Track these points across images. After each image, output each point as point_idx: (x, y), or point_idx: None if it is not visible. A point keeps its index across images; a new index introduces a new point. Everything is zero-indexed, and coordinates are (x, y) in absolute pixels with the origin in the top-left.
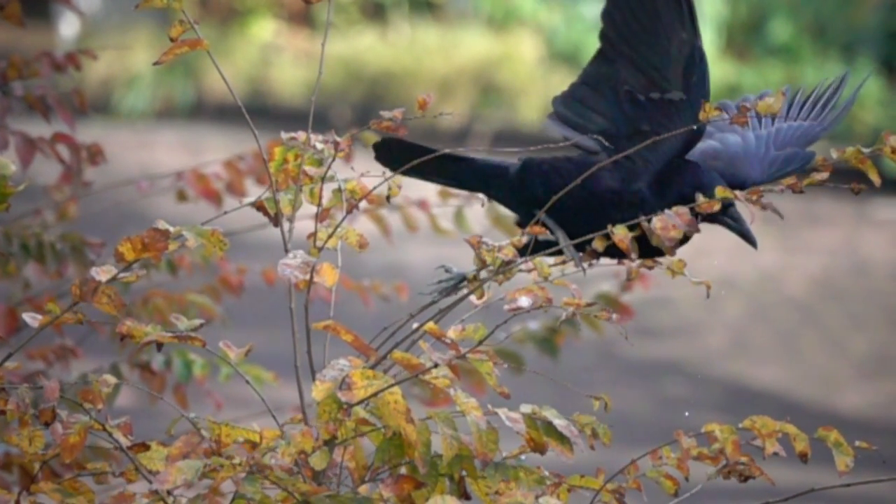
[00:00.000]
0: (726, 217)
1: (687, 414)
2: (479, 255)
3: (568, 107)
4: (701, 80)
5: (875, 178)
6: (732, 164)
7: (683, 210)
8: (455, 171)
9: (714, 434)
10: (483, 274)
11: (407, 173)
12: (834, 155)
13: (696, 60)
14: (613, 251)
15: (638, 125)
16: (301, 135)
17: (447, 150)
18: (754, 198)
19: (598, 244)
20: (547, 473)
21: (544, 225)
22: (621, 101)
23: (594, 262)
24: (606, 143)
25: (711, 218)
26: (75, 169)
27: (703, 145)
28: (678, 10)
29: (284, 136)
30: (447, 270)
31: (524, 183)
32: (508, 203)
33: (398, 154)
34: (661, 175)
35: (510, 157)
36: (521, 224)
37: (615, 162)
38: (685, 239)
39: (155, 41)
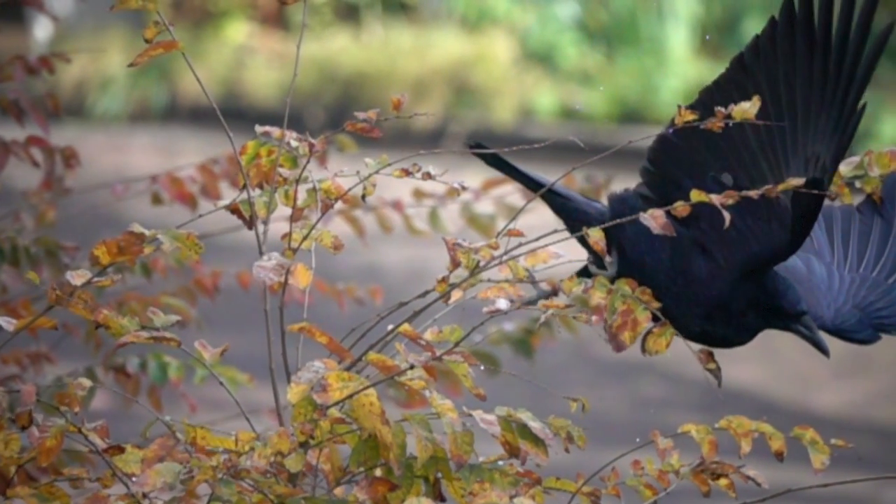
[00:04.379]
0: (800, 325)
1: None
2: (453, 257)
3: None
4: (812, 207)
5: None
6: (811, 293)
7: (658, 213)
8: (550, 202)
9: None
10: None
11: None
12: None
13: (819, 182)
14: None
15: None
16: (275, 130)
17: (547, 183)
18: (729, 201)
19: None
20: (521, 471)
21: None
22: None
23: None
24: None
25: (784, 326)
26: (55, 174)
27: (791, 260)
28: (828, 116)
29: (259, 129)
30: (532, 281)
31: (613, 230)
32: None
33: (499, 168)
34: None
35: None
36: (596, 263)
37: (705, 246)
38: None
39: (129, 44)
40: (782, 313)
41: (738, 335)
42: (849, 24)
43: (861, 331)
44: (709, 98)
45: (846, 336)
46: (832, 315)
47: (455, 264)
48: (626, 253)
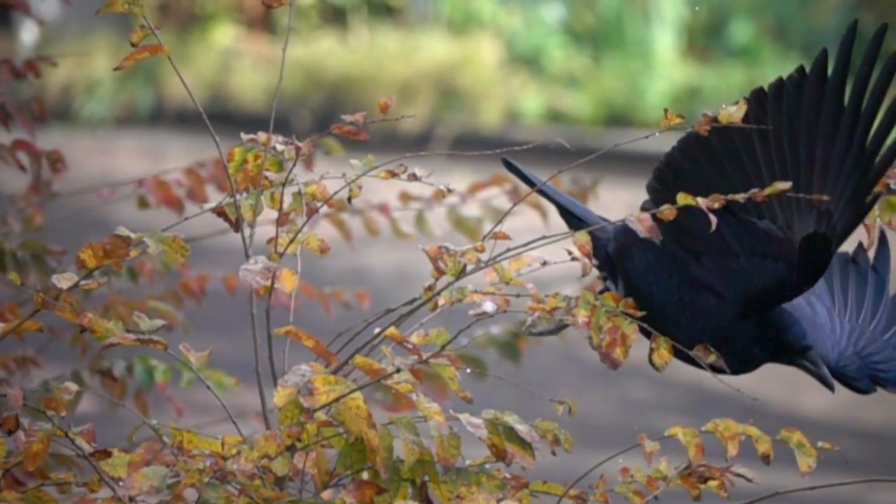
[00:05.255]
0: (805, 360)
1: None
2: (436, 266)
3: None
4: (816, 259)
5: None
6: (815, 331)
7: (645, 216)
8: (566, 218)
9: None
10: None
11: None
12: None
13: (824, 238)
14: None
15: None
16: (261, 135)
17: (563, 203)
18: (715, 204)
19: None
20: (509, 476)
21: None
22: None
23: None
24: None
25: (790, 360)
26: (42, 179)
27: (795, 300)
28: (847, 180)
29: (244, 136)
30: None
31: (619, 266)
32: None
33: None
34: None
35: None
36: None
37: (711, 280)
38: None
39: (115, 47)
40: (788, 348)
41: (742, 367)
42: (880, 101)
43: (860, 378)
44: (697, 140)
45: (846, 380)
46: (835, 356)
47: (440, 273)
48: (633, 283)
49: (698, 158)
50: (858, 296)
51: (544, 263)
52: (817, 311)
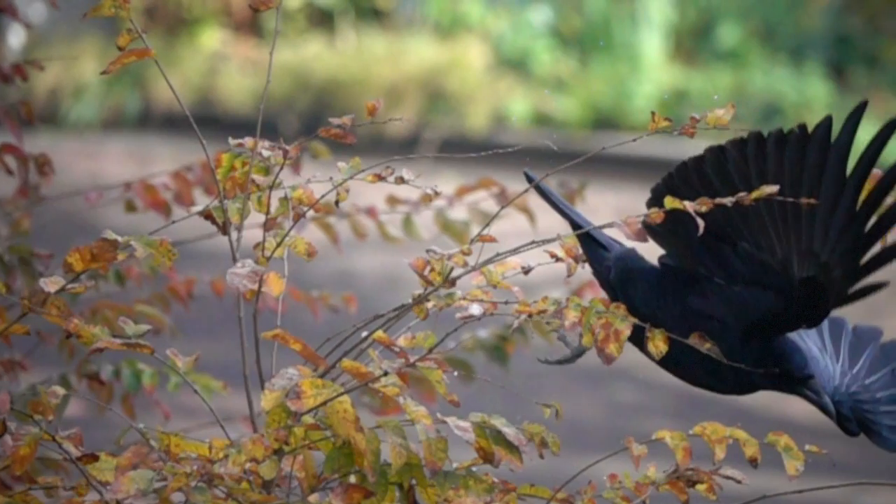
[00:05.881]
0: (807, 389)
1: (627, 417)
2: (423, 278)
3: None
4: (809, 301)
5: None
6: (813, 361)
7: (633, 220)
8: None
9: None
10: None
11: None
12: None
13: (814, 281)
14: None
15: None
16: (248, 141)
17: (577, 220)
18: (703, 208)
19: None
20: (496, 479)
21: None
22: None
23: None
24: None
25: (791, 389)
26: (30, 182)
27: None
28: (839, 233)
29: (232, 141)
30: (562, 340)
31: (621, 288)
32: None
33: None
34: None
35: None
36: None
37: (712, 307)
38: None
39: (102, 51)
40: (789, 376)
41: (741, 391)
42: (870, 165)
43: (851, 419)
44: (695, 167)
45: (838, 418)
46: (831, 390)
47: (427, 283)
48: (638, 310)
49: (692, 184)
50: (852, 356)
51: (526, 272)
52: (811, 346)
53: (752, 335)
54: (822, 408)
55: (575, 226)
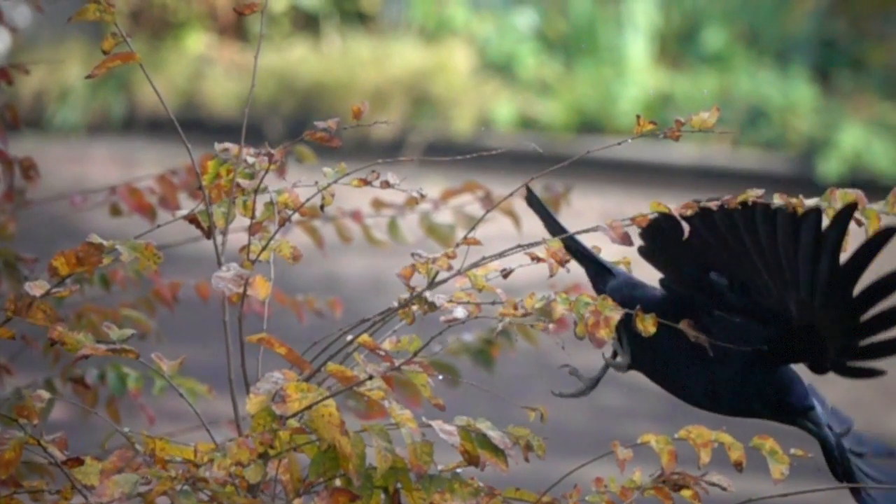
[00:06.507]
0: (807, 421)
1: (612, 421)
2: (409, 287)
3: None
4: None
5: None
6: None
7: (618, 224)
8: (574, 252)
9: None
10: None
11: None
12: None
13: (808, 326)
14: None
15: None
16: (234, 147)
17: (569, 233)
18: (688, 211)
19: None
20: (482, 484)
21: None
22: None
23: None
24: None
25: (790, 419)
26: (15, 186)
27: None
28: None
29: (217, 147)
30: (574, 373)
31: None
32: None
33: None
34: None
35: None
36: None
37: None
38: None
39: (87, 55)
40: (790, 407)
41: (736, 415)
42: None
43: (845, 461)
44: (667, 223)
45: (831, 456)
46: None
47: (413, 290)
48: (641, 338)
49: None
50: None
51: (506, 275)
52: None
53: (755, 363)
54: (823, 439)
55: (577, 251)
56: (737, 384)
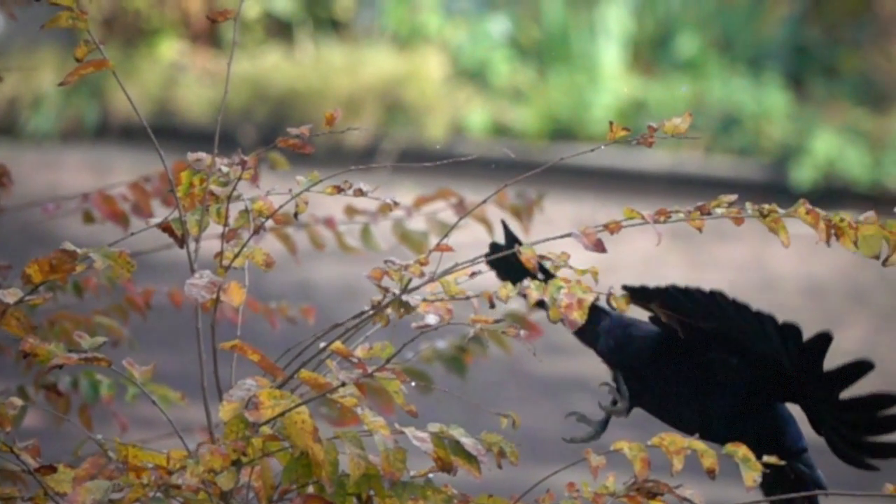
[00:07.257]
0: (800, 464)
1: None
2: (381, 288)
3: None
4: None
5: (785, 240)
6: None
7: (590, 230)
8: None
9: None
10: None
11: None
12: (749, 210)
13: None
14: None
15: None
16: (206, 157)
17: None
18: (661, 218)
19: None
20: (455, 492)
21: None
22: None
23: None
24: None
25: (783, 460)
26: None
27: None
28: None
29: (190, 156)
30: (583, 420)
31: (619, 361)
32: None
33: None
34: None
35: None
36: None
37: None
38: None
39: (60, 62)
40: (783, 448)
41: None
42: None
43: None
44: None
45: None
46: None
47: (385, 291)
48: (641, 374)
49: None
50: None
51: (473, 275)
52: None
53: (750, 399)
54: (815, 481)
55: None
56: (733, 420)
